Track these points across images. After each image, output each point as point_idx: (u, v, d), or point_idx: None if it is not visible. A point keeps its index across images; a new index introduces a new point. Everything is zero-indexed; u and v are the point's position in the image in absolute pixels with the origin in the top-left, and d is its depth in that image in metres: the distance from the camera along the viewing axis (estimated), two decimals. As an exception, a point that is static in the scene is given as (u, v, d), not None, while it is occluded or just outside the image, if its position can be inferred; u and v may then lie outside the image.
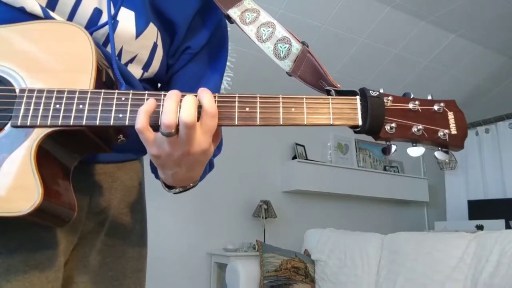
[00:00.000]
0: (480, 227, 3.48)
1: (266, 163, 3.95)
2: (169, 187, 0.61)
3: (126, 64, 0.64)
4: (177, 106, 0.48)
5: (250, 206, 3.69)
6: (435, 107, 0.53)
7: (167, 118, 0.48)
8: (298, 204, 4.05)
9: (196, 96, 0.50)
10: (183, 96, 0.50)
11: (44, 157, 0.51)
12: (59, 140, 0.53)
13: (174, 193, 0.62)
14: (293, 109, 0.51)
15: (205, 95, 0.49)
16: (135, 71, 0.65)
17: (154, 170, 0.66)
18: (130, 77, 0.64)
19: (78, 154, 0.57)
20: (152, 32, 0.65)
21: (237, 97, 0.51)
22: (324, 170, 3.99)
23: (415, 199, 4.63)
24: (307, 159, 4.06)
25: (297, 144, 4.10)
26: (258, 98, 0.52)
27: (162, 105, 0.49)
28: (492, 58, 4.08)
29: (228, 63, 2.41)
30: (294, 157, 4.01)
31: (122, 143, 0.58)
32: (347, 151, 4.44)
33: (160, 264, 3.20)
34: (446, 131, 0.52)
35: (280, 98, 0.52)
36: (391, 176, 4.50)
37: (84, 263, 0.63)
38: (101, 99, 0.51)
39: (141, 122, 0.48)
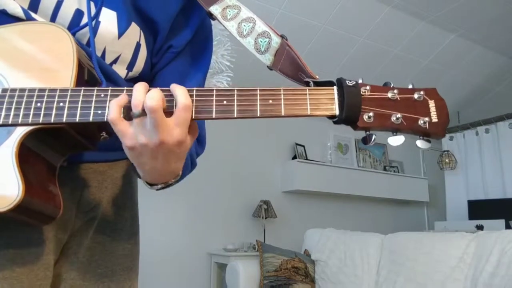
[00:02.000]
0: (480, 227, 3.48)
1: (266, 163, 3.95)
2: (150, 184, 0.61)
3: (111, 64, 0.65)
4: (145, 91, 0.50)
5: (250, 206, 3.69)
6: (415, 96, 0.53)
7: (135, 98, 0.49)
8: (298, 204, 4.05)
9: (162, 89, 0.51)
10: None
11: (27, 155, 0.51)
12: (42, 138, 0.53)
13: (157, 190, 0.62)
14: (270, 101, 0.52)
15: (178, 88, 0.51)
16: (120, 71, 0.66)
17: (135, 168, 0.67)
18: (116, 77, 0.64)
19: (63, 152, 0.58)
20: (134, 31, 0.66)
21: (215, 91, 0.52)
22: (324, 170, 3.98)
23: (415, 199, 4.63)
24: (307, 159, 4.06)
25: (297, 144, 4.10)
26: (235, 91, 0.52)
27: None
28: (492, 58, 4.07)
29: (228, 63, 2.40)
30: (294, 157, 4.01)
31: (106, 140, 0.58)
32: (347, 151, 4.44)
33: (160, 264, 3.20)
34: (427, 119, 0.52)
35: (258, 90, 0.52)
36: (391, 176, 4.50)
37: (73, 260, 0.64)
38: (81, 96, 0.52)
39: (113, 113, 0.49)
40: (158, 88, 0.50)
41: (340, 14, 3.25)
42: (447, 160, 4.35)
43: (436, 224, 4.03)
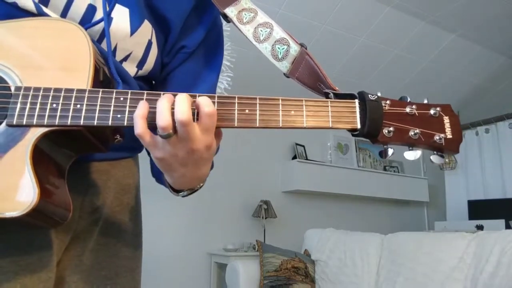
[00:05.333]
0: (480, 227, 3.48)
1: (266, 163, 3.95)
2: (176, 191, 0.60)
3: (121, 62, 0.64)
4: (170, 106, 0.48)
5: (250, 206, 3.69)
6: (431, 111, 0.53)
7: (162, 119, 0.47)
8: (298, 204, 4.05)
9: (189, 94, 0.49)
10: (175, 95, 0.49)
11: (40, 156, 0.50)
12: (56, 139, 0.52)
13: (183, 197, 0.61)
14: (292, 112, 0.51)
15: (202, 97, 0.49)
16: (130, 69, 0.65)
17: (156, 174, 0.64)
18: (126, 75, 0.63)
19: (74, 153, 0.57)
20: (146, 29, 0.65)
21: (236, 99, 0.51)
22: (324, 170, 3.98)
23: (415, 199, 4.63)
24: (307, 159, 4.06)
25: (297, 144, 4.10)
26: (257, 100, 0.51)
27: (156, 106, 0.49)
28: (492, 58, 4.07)
29: (228, 63, 2.41)
30: (294, 157, 4.01)
31: (119, 143, 0.57)
32: (347, 151, 4.44)
33: (160, 264, 3.20)
34: (442, 135, 0.52)
35: (280, 101, 0.52)
36: (391, 176, 4.50)
37: (76, 262, 0.63)
38: (99, 99, 0.50)
39: (140, 127, 0.47)
40: (184, 97, 0.48)
41: (340, 14, 3.25)
42: (447, 160, 4.35)
43: (436, 224, 4.03)
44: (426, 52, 3.86)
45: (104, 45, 0.60)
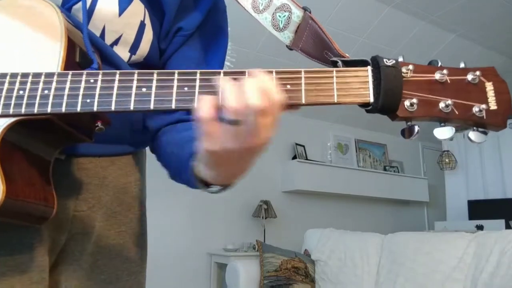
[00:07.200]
0: (480, 227, 3.48)
1: (266, 163, 3.95)
2: (206, 185, 0.51)
3: (111, 45, 0.59)
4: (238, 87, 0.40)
5: (250, 206, 3.69)
6: (469, 77, 0.43)
7: (234, 100, 0.37)
8: (298, 204, 4.05)
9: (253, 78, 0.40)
10: (234, 79, 0.41)
11: (11, 150, 0.46)
12: (27, 130, 0.47)
13: (211, 193, 0.54)
14: (288, 86, 0.42)
15: (259, 73, 0.40)
16: (122, 53, 0.60)
17: (174, 171, 0.58)
18: (117, 59, 0.58)
19: (55, 145, 0.52)
20: (137, 9, 0.60)
21: (222, 74, 0.43)
22: (324, 170, 3.98)
23: (415, 199, 4.63)
24: (307, 159, 4.06)
25: (297, 144, 4.10)
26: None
27: (219, 85, 0.40)
28: (492, 58, 4.08)
29: (228, 63, 2.41)
30: (294, 157, 4.01)
31: (101, 131, 0.52)
32: (347, 151, 4.44)
33: (160, 264, 3.19)
34: (483, 106, 0.42)
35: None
36: (391, 176, 4.50)
37: (74, 267, 0.59)
38: (68, 82, 0.44)
39: (206, 112, 0.39)
40: (253, 80, 0.38)
41: (340, 14, 3.25)
42: (447, 160, 4.35)
43: (436, 224, 4.03)
44: (426, 52, 3.85)
45: (90, 26, 0.55)
